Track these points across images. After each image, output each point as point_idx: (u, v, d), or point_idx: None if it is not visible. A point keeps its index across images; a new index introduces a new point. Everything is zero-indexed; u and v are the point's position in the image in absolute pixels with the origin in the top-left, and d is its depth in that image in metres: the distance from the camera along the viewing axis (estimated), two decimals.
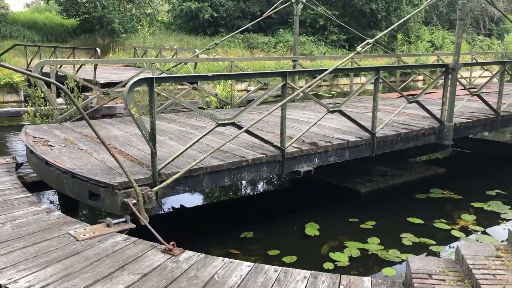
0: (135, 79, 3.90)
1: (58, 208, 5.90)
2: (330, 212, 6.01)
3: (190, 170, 4.35)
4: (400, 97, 6.37)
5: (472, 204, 6.17)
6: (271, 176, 7.31)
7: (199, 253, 3.48)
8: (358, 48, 5.51)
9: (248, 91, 15.00)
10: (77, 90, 7.59)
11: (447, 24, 37.22)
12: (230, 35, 11.30)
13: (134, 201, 3.92)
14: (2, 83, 14.72)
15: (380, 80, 5.91)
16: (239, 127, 4.68)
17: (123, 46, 23.67)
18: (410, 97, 6.52)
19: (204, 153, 4.53)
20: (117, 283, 2.99)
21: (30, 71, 6.21)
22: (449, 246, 4.99)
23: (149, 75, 6.65)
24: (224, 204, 6.78)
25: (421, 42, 30.71)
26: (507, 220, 5.69)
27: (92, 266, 3.21)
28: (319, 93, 18.81)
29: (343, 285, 3.09)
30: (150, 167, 4.26)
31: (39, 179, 5.36)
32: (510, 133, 11.84)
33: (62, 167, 4.45)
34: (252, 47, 26.63)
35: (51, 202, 6.41)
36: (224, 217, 6.05)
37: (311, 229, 5.33)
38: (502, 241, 5.03)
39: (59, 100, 8.17)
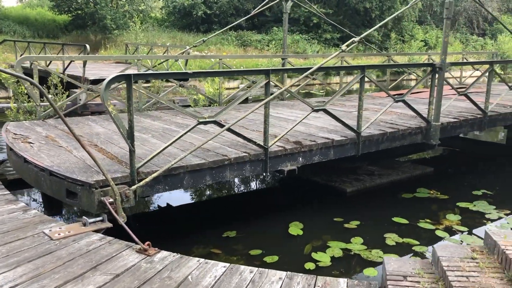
0: (112, 75, 3.83)
1: (42, 206, 5.83)
2: (315, 212, 5.97)
3: (170, 168, 4.29)
4: (388, 96, 6.34)
5: (457, 204, 6.15)
6: (256, 175, 7.28)
7: (174, 254, 3.43)
8: (343, 47, 5.48)
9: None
10: (61, 87, 7.48)
11: (441, 23, 37.18)
12: (219, 31, 11.20)
13: (111, 199, 3.86)
14: None
15: (368, 79, 5.87)
16: (221, 125, 4.63)
17: (115, 43, 23.50)
18: (396, 96, 6.49)
19: (187, 151, 4.46)
20: (88, 284, 2.93)
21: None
22: (432, 247, 4.95)
23: (135, 72, 6.55)
24: (208, 203, 6.72)
25: (414, 41, 30.70)
26: (492, 221, 5.68)
27: (64, 266, 3.15)
28: (311, 91, 18.75)
29: (319, 286, 3.05)
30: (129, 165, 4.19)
31: (20, 177, 5.28)
32: (502, 133, 11.85)
33: (40, 164, 4.37)
34: (245, 45, 26.51)
35: (34, 200, 6.34)
36: (207, 216, 5.98)
37: (295, 229, 5.28)
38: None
39: None
